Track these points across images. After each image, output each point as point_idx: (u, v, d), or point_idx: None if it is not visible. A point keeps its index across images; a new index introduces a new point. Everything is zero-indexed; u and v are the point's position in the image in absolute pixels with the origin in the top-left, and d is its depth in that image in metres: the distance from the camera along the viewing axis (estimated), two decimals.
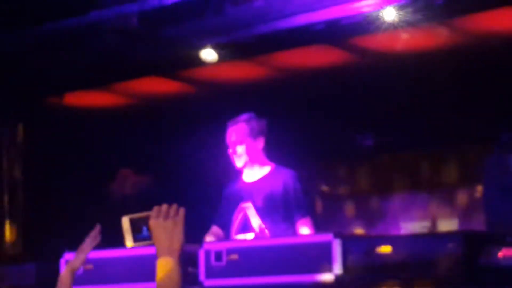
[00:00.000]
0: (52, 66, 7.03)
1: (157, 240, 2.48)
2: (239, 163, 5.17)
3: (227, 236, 5.17)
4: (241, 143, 5.15)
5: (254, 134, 5.17)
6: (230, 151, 5.18)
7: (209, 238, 5.17)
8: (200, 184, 7.95)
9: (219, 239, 5.15)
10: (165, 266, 2.46)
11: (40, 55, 6.83)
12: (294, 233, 5.03)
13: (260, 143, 5.18)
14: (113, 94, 8.00)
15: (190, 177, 8.03)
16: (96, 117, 8.25)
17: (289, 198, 5.08)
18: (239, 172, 5.30)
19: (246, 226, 5.11)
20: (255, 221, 5.09)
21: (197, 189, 8.02)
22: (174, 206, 2.53)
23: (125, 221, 2.60)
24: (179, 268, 2.47)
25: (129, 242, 2.58)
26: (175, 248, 2.48)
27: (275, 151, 5.37)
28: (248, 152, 5.15)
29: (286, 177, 5.13)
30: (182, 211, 2.52)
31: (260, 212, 5.09)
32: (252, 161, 5.17)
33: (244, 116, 5.21)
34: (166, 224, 2.49)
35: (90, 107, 8.19)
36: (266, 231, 5.04)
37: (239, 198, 5.19)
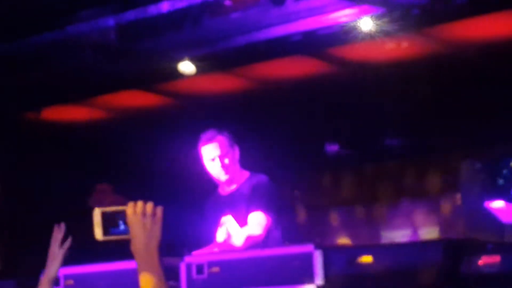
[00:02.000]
0: (29, 81, 7.00)
1: (134, 237, 2.46)
2: (225, 175, 5.17)
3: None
4: (226, 155, 5.16)
5: (232, 144, 5.21)
6: (216, 165, 5.16)
7: None
8: (179, 196, 7.93)
9: None
10: (148, 283, 2.44)
11: (17, 70, 6.80)
12: (274, 242, 5.01)
13: (237, 152, 5.23)
14: (91, 108, 7.98)
15: (169, 190, 8.00)
16: (75, 131, 8.22)
17: (259, 206, 5.07)
18: (216, 186, 5.30)
19: (228, 241, 5.09)
20: (237, 234, 5.08)
21: (176, 201, 7.99)
22: (150, 204, 2.51)
23: (97, 214, 2.55)
24: (163, 283, 2.46)
25: (99, 235, 2.55)
26: (152, 247, 2.47)
27: (257, 162, 5.37)
28: (233, 163, 5.18)
29: (258, 182, 5.15)
30: (160, 210, 2.51)
31: (238, 221, 5.08)
32: (234, 171, 5.20)
33: (214, 131, 5.23)
34: (145, 221, 2.48)
35: (68, 121, 8.16)
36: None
37: (218, 213, 5.18)
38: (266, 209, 5.06)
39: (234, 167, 5.20)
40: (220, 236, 5.12)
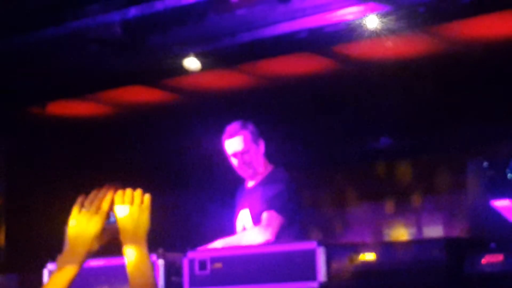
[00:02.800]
0: (35, 75, 7.01)
1: (122, 226, 2.46)
2: (248, 171, 5.14)
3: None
4: (248, 151, 5.11)
5: (256, 139, 5.15)
6: (237, 161, 5.12)
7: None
8: (185, 191, 7.94)
9: None
10: (131, 256, 2.43)
11: (22, 64, 6.81)
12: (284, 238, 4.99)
13: (262, 147, 5.17)
14: (96, 104, 7.98)
15: (174, 185, 8.02)
16: (79, 126, 8.23)
17: (272, 195, 5.05)
18: (243, 178, 5.26)
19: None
20: (250, 227, 5.08)
21: (182, 196, 8.01)
22: (139, 192, 2.50)
23: None
24: (145, 256, 2.44)
25: None
26: (140, 235, 2.46)
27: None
28: (256, 158, 5.13)
29: (280, 178, 5.12)
30: (147, 197, 2.50)
31: (255, 218, 5.07)
32: (258, 166, 5.15)
33: (239, 124, 5.16)
34: (132, 210, 2.47)
35: (73, 116, 8.17)
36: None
37: (239, 206, 5.17)
38: (279, 207, 5.00)
39: (257, 162, 5.13)
40: (238, 230, 5.11)
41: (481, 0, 5.70)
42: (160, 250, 4.66)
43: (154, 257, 4.63)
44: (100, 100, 7.91)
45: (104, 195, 2.48)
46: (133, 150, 8.15)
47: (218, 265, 4.54)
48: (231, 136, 5.12)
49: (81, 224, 2.46)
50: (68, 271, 2.41)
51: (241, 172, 5.17)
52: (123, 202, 2.48)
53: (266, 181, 5.14)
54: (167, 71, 7.00)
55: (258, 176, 5.17)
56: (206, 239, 5.17)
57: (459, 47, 6.65)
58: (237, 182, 5.38)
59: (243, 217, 5.11)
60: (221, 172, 5.68)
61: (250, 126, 5.15)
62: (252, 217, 5.07)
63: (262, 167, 5.16)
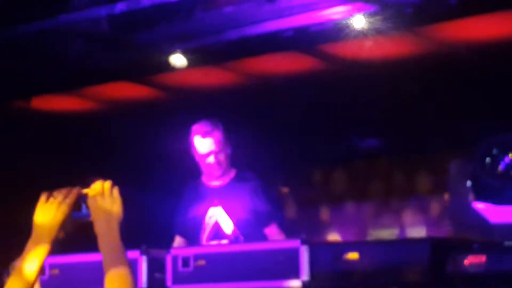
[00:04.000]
0: (19, 69, 6.97)
1: (95, 218, 2.48)
2: (218, 171, 5.15)
3: (195, 242, 5.15)
4: (221, 151, 5.13)
5: (227, 141, 5.18)
6: (210, 160, 5.14)
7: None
8: (168, 187, 7.92)
9: None
10: (105, 248, 2.45)
11: (8, 58, 6.78)
12: (264, 236, 5.04)
13: (229, 148, 5.21)
14: (81, 99, 7.96)
15: (159, 181, 8.01)
16: (64, 121, 8.20)
17: (258, 204, 5.10)
18: (198, 176, 5.29)
19: (218, 233, 5.10)
20: (228, 227, 5.09)
21: (165, 192, 7.99)
22: (108, 184, 2.52)
23: None
24: (120, 246, 2.45)
25: None
26: (112, 227, 2.47)
27: (246, 158, 5.38)
28: (226, 158, 5.16)
29: (253, 182, 5.16)
30: (116, 190, 2.52)
31: (232, 217, 5.09)
32: (227, 166, 5.18)
33: (213, 123, 5.19)
34: (104, 202, 2.49)
35: (58, 111, 8.14)
36: (241, 237, 5.03)
37: (205, 203, 5.18)
38: (279, 220, 5.10)
39: (226, 162, 5.18)
40: (207, 226, 5.11)
41: (468, 2, 5.71)
42: (143, 247, 4.65)
43: (137, 253, 4.62)
44: (85, 96, 7.88)
45: (73, 187, 2.52)
46: (118, 146, 8.13)
47: (202, 262, 4.54)
48: (206, 135, 5.15)
49: (47, 213, 2.49)
50: (35, 259, 2.44)
51: (212, 171, 5.19)
52: (94, 194, 2.50)
53: (238, 183, 5.18)
54: (153, 67, 6.98)
55: (224, 176, 5.19)
56: None
57: (445, 48, 6.67)
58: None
59: (216, 214, 5.11)
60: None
61: (221, 126, 5.19)
62: (229, 215, 5.08)
63: (227, 168, 5.19)
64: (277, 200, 5.30)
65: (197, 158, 5.22)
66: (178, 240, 5.32)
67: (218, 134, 5.16)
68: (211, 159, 5.15)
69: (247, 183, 5.17)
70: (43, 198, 2.54)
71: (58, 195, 2.52)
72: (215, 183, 5.25)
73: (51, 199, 2.52)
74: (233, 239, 5.01)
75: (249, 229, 5.07)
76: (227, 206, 5.13)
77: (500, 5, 5.85)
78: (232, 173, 5.24)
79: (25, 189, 7.72)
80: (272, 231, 5.07)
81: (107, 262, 2.44)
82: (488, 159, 4.99)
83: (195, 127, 5.22)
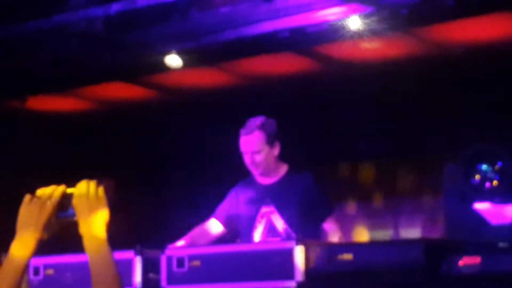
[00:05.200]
0: (14, 69, 6.97)
1: (81, 219, 2.46)
2: (257, 170, 5.13)
3: (247, 240, 5.11)
4: (259, 152, 5.09)
5: (271, 141, 5.13)
6: (247, 159, 5.11)
7: (190, 234, 5.10)
8: (164, 187, 7.92)
9: (206, 233, 5.11)
10: (91, 249, 2.43)
11: (3, 57, 6.77)
12: (317, 233, 5.05)
13: (277, 148, 5.15)
14: (76, 99, 7.95)
15: (153, 180, 8.00)
16: (59, 121, 8.19)
17: (311, 200, 5.07)
18: (250, 173, 5.24)
19: (271, 231, 5.08)
20: (280, 225, 5.08)
21: (162, 192, 7.99)
22: (93, 184, 2.50)
23: None
24: (106, 248, 2.43)
25: None
26: (98, 227, 2.45)
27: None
28: (267, 159, 5.12)
29: (305, 179, 5.14)
30: (101, 189, 2.50)
31: (283, 215, 5.07)
32: (269, 166, 5.14)
33: (258, 122, 5.14)
34: (90, 203, 2.47)
35: (53, 111, 8.13)
36: (293, 234, 5.01)
37: (258, 201, 5.15)
38: (333, 211, 5.14)
39: (267, 163, 5.11)
40: (259, 224, 5.09)
41: (463, 3, 5.72)
42: (138, 247, 4.65)
43: (131, 253, 4.61)
44: (81, 96, 7.87)
45: (57, 187, 2.50)
46: (113, 146, 8.12)
47: (196, 262, 4.54)
48: (246, 133, 5.11)
49: (32, 211, 2.47)
50: (18, 259, 2.42)
51: (251, 169, 5.16)
52: (79, 194, 2.48)
53: (291, 182, 5.15)
54: (148, 67, 6.98)
55: (272, 175, 5.15)
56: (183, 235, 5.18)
57: (441, 50, 6.67)
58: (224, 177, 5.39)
59: (269, 213, 5.10)
60: (201, 168, 5.68)
61: (269, 126, 5.12)
62: (281, 213, 5.06)
63: (274, 166, 5.14)
64: (328, 195, 5.27)
65: (242, 155, 5.18)
66: (212, 222, 5.24)
67: (259, 134, 5.09)
68: (247, 158, 5.12)
69: (299, 180, 5.13)
70: (27, 198, 2.51)
71: (43, 195, 2.50)
72: (267, 181, 5.21)
73: (35, 199, 2.50)
74: (285, 237, 4.98)
75: (302, 226, 5.03)
76: (279, 204, 5.10)
77: (496, 6, 5.86)
78: (283, 170, 5.19)
79: (20, 188, 7.72)
80: (331, 225, 5.06)
81: (92, 263, 2.42)
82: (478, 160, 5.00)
83: (246, 122, 5.17)
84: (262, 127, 5.09)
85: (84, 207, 2.46)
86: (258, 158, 5.09)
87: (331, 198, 5.31)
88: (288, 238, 4.92)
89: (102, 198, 2.48)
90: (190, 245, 5.01)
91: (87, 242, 2.44)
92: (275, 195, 5.12)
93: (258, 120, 5.13)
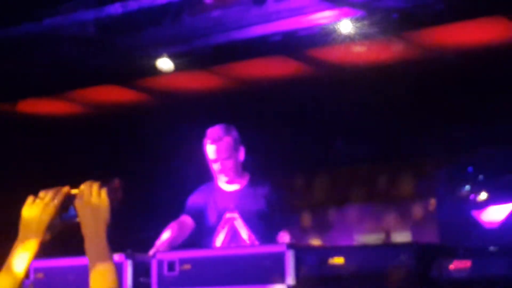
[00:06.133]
0: (5, 72, 6.95)
1: (83, 220, 2.47)
2: (226, 177, 5.14)
3: (208, 244, 5.11)
4: (229, 158, 5.11)
5: (237, 146, 5.15)
6: (218, 166, 5.12)
7: (169, 231, 5.08)
8: (153, 190, 7.91)
9: (184, 228, 5.12)
10: (92, 253, 2.44)
11: None
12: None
13: (242, 154, 5.17)
14: (68, 102, 7.94)
15: (144, 184, 7.99)
16: (50, 125, 8.17)
17: (272, 208, 5.09)
18: (212, 178, 5.25)
19: (235, 238, 5.08)
20: (244, 232, 5.08)
21: (152, 196, 7.98)
22: (96, 186, 2.51)
23: None
24: (107, 251, 2.44)
25: None
26: (100, 229, 2.46)
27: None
28: (236, 165, 5.14)
29: (266, 187, 5.15)
30: (104, 191, 2.50)
31: (247, 222, 5.07)
32: (237, 172, 5.16)
33: (223, 128, 5.15)
34: (92, 204, 2.48)
35: (44, 114, 8.11)
36: (256, 242, 5.02)
37: (221, 207, 5.15)
38: (287, 225, 5.13)
39: (236, 169, 5.14)
40: (222, 230, 5.10)
41: (454, 8, 5.74)
42: (129, 250, 4.64)
43: (122, 257, 4.60)
44: (72, 99, 7.86)
45: (60, 188, 2.50)
46: (104, 150, 8.11)
47: (187, 266, 4.53)
48: (214, 141, 5.12)
49: (34, 213, 2.48)
50: (21, 261, 2.43)
51: (219, 178, 5.17)
52: (81, 196, 2.49)
53: (253, 189, 5.16)
54: (140, 71, 6.97)
55: (236, 181, 5.17)
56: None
57: (432, 53, 6.69)
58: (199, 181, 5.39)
59: (233, 220, 5.10)
60: (189, 172, 5.67)
61: (233, 132, 5.15)
62: (245, 221, 5.08)
63: (239, 173, 5.17)
64: (287, 207, 5.30)
65: (208, 162, 5.19)
66: (183, 218, 5.23)
67: (228, 140, 5.10)
68: (217, 166, 5.12)
69: (261, 188, 5.16)
70: (30, 199, 2.53)
71: (46, 196, 2.51)
72: (231, 187, 5.22)
73: (38, 200, 2.51)
74: (249, 244, 4.99)
75: (265, 233, 5.05)
76: (243, 211, 5.10)
77: (486, 10, 5.87)
78: (246, 178, 5.22)
79: (11, 192, 7.70)
80: (285, 236, 5.07)
81: (93, 263, 2.44)
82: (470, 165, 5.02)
83: (208, 132, 5.17)
84: (228, 133, 5.12)
85: (86, 208, 2.48)
86: (229, 164, 5.11)
87: (288, 207, 5.33)
88: (251, 245, 4.94)
89: (105, 199, 2.49)
90: (173, 242, 4.99)
91: (87, 244, 2.45)
92: (239, 202, 5.13)
93: (222, 127, 5.15)
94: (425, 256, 4.09)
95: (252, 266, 4.38)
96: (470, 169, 5.12)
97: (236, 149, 5.14)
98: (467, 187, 5.39)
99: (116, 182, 2.61)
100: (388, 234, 8.03)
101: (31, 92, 7.50)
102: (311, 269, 4.26)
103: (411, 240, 7.74)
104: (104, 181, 2.55)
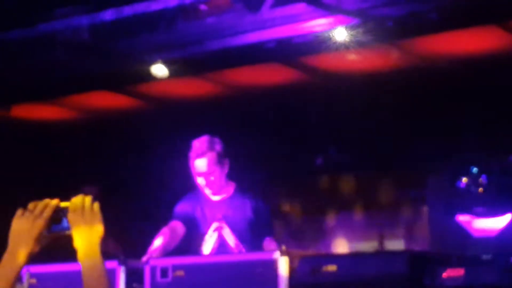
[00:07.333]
0: (0, 77, 6.94)
1: (76, 234, 2.48)
2: (211, 190, 5.14)
3: (195, 252, 5.11)
4: (213, 173, 5.12)
5: (222, 160, 5.15)
6: (202, 181, 5.12)
7: (161, 237, 5.07)
8: (147, 196, 7.90)
9: (176, 234, 5.11)
10: (86, 263, 2.44)
11: None
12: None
13: (226, 166, 5.18)
14: (62, 108, 7.93)
15: (138, 191, 7.98)
16: (44, 130, 8.16)
17: (258, 218, 5.10)
18: (197, 188, 5.25)
19: (222, 246, 5.08)
20: (231, 240, 5.08)
21: (144, 201, 7.97)
22: (89, 198, 2.52)
23: None
24: (100, 262, 2.45)
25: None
26: (93, 241, 2.47)
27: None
28: (220, 179, 5.14)
29: (252, 196, 5.16)
30: (96, 205, 2.52)
31: (234, 230, 5.08)
32: (221, 184, 5.17)
33: (207, 143, 5.15)
34: (85, 217, 2.49)
35: (38, 120, 8.10)
36: (243, 250, 5.02)
37: (208, 216, 5.15)
38: (272, 232, 5.14)
39: (219, 181, 5.16)
40: (209, 239, 5.10)
41: (447, 17, 5.75)
42: (122, 257, 4.63)
43: (115, 263, 4.60)
44: (66, 104, 7.85)
45: (50, 201, 2.51)
46: (98, 155, 8.10)
47: (180, 273, 4.53)
48: (198, 156, 5.12)
49: (23, 225, 2.48)
50: (10, 272, 2.44)
51: (204, 190, 5.18)
52: (74, 209, 2.49)
53: (238, 199, 5.17)
54: (134, 77, 6.97)
55: (222, 192, 5.19)
56: None
57: (425, 62, 6.71)
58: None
59: (221, 229, 5.11)
60: (183, 178, 5.67)
61: (217, 146, 5.14)
62: (232, 229, 5.08)
63: (224, 184, 5.18)
64: (271, 215, 5.31)
65: (193, 175, 5.20)
66: (174, 223, 5.23)
67: (212, 155, 5.10)
68: (201, 180, 5.13)
69: (246, 198, 5.17)
70: (19, 212, 2.53)
71: (36, 209, 2.51)
72: (217, 197, 5.22)
73: (27, 213, 2.51)
74: (237, 253, 4.99)
75: (253, 241, 5.06)
76: (230, 220, 5.11)
77: (479, 20, 5.89)
78: (232, 187, 5.23)
79: (4, 197, 7.69)
80: (270, 244, 5.07)
81: (86, 276, 2.44)
82: (460, 174, 5.04)
83: (193, 145, 5.17)
84: (212, 149, 5.11)
85: (79, 221, 2.49)
86: (213, 178, 5.11)
87: (271, 218, 5.33)
88: (245, 252, 4.95)
89: (97, 213, 2.50)
90: (166, 248, 4.98)
91: (81, 256, 2.46)
92: (226, 211, 5.14)
93: (206, 142, 5.15)
94: (418, 264, 4.09)
95: (245, 273, 4.38)
96: (462, 177, 5.14)
97: (220, 163, 5.13)
98: (459, 195, 5.41)
99: (90, 189, 2.62)
100: (381, 242, 8.03)
101: (25, 97, 7.49)
102: (304, 277, 4.26)
103: (404, 248, 7.75)
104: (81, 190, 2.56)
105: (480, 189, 5.22)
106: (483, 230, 5.24)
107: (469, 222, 5.22)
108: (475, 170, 5.28)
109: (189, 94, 7.59)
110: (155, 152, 7.95)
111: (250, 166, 7.35)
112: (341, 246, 8.11)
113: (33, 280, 4.83)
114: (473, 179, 5.31)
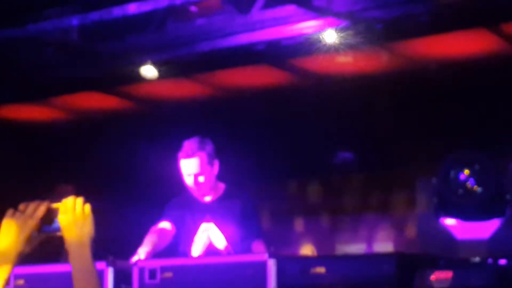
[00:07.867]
0: None
1: (67, 234, 2.48)
2: (200, 191, 5.13)
3: (184, 253, 5.10)
4: (203, 173, 5.10)
5: (211, 161, 5.13)
6: (190, 181, 5.11)
7: (150, 238, 5.06)
8: (135, 198, 7.88)
9: (166, 234, 5.10)
10: (76, 264, 2.44)
11: None
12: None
13: (216, 167, 5.16)
14: (50, 108, 7.91)
15: (127, 192, 7.97)
16: (33, 131, 8.14)
17: (247, 220, 5.09)
18: (186, 190, 5.24)
19: (211, 247, 5.07)
20: (220, 242, 5.07)
21: (133, 202, 7.95)
22: (80, 200, 2.52)
23: None
24: (91, 264, 2.45)
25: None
26: (84, 243, 2.47)
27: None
28: (209, 179, 5.12)
29: (241, 197, 5.15)
30: (87, 207, 2.52)
31: (223, 232, 5.06)
32: (210, 185, 5.15)
33: (197, 144, 5.14)
34: (76, 218, 2.49)
35: (26, 121, 8.08)
36: (232, 251, 5.01)
37: (197, 218, 5.14)
38: (261, 234, 5.13)
39: (209, 182, 5.15)
40: (198, 240, 5.08)
41: (438, 19, 5.77)
42: (110, 258, 4.62)
43: (103, 264, 4.58)
44: (55, 105, 7.83)
45: (41, 202, 2.51)
46: (87, 157, 8.08)
47: (169, 274, 4.52)
48: (188, 156, 5.10)
49: (13, 228, 2.48)
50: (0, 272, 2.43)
51: (193, 191, 5.16)
52: (66, 211, 2.49)
53: (228, 199, 5.16)
54: (123, 78, 6.96)
55: (211, 193, 5.17)
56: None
57: (415, 64, 6.72)
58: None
59: (208, 229, 5.09)
60: (171, 179, 5.66)
61: (208, 147, 5.13)
62: (221, 231, 5.07)
63: (214, 185, 5.17)
64: (260, 216, 5.31)
65: (182, 177, 5.18)
66: (163, 224, 5.21)
67: (201, 155, 5.10)
68: (190, 180, 5.11)
69: (236, 200, 5.15)
70: (9, 212, 2.52)
71: (27, 210, 2.51)
72: (206, 198, 5.20)
73: (18, 214, 2.51)
74: (226, 254, 4.97)
75: (242, 243, 5.05)
76: (219, 221, 5.10)
77: (470, 23, 5.91)
78: (221, 189, 5.21)
79: None
80: (259, 246, 5.06)
81: (76, 277, 2.44)
82: (450, 176, 5.04)
83: (183, 145, 5.16)
84: (202, 149, 5.10)
85: (70, 223, 2.49)
86: (202, 179, 5.10)
87: (260, 220, 5.34)
88: (233, 253, 4.94)
89: (88, 215, 2.50)
90: (156, 248, 4.97)
91: (72, 258, 2.45)
92: (215, 212, 5.12)
93: (196, 142, 5.14)
94: (406, 266, 4.10)
95: (234, 275, 4.37)
96: (452, 180, 5.14)
97: (210, 164, 5.12)
98: (448, 198, 5.41)
99: (65, 187, 2.64)
100: (370, 245, 8.03)
101: (13, 98, 7.46)
102: (293, 278, 4.26)
103: (393, 250, 7.75)
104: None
105: (470, 192, 5.22)
106: (472, 234, 5.24)
107: (457, 226, 5.22)
108: (465, 172, 5.28)
109: (179, 95, 7.59)
110: (144, 153, 7.94)
111: (240, 167, 7.35)
112: (329, 249, 8.11)
113: (21, 281, 4.81)
114: (463, 182, 5.32)
